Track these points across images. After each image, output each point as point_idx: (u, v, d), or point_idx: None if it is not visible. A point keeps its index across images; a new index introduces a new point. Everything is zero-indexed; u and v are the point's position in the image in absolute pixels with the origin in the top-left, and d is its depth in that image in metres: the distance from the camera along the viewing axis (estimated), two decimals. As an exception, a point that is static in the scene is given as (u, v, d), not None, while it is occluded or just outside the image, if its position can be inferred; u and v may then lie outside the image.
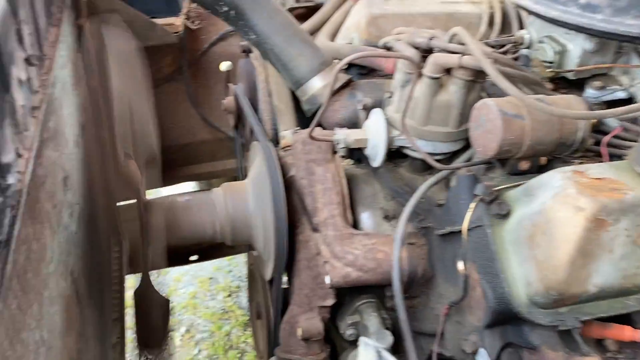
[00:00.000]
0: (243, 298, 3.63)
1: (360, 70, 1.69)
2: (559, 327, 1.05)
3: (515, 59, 1.63)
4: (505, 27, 1.91)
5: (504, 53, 1.64)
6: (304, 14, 2.17)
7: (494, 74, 1.09)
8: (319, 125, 1.56)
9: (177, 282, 3.75)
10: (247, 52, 1.94)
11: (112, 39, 1.63)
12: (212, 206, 1.51)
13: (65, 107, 1.36)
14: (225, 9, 1.51)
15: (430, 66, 1.25)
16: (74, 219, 1.30)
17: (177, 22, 2.31)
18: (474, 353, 1.19)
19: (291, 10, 2.17)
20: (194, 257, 2.36)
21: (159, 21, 2.25)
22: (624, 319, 1.13)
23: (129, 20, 1.92)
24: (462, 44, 1.24)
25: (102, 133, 1.75)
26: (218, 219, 1.50)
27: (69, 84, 1.46)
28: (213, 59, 2.49)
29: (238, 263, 3.86)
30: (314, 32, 2.03)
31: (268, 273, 1.52)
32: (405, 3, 1.85)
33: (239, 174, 2.14)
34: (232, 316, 3.54)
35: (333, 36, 1.95)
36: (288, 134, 1.60)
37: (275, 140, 1.72)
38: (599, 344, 1.16)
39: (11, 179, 0.74)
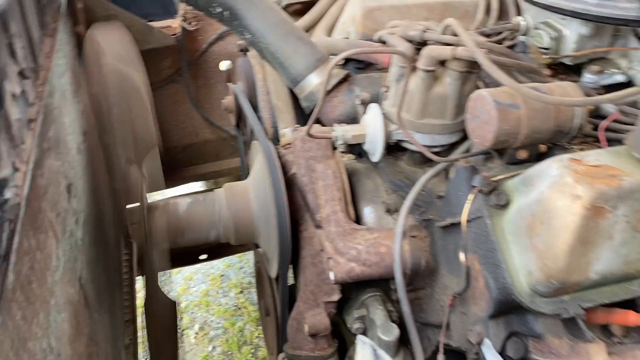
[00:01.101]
0: (255, 294, 3.65)
1: (358, 65, 1.68)
2: (562, 315, 1.06)
3: (513, 45, 1.63)
4: (503, 13, 1.89)
5: (502, 40, 1.64)
6: (301, 10, 2.16)
7: (487, 65, 1.09)
8: (318, 121, 1.57)
9: (189, 281, 3.79)
10: (244, 51, 1.94)
11: (109, 44, 1.64)
12: (213, 207, 1.52)
13: (66, 115, 1.38)
14: (219, 10, 1.51)
15: (424, 59, 1.25)
16: (79, 225, 1.32)
17: (174, 24, 2.32)
18: (480, 343, 1.18)
19: (288, 6, 2.17)
20: (203, 256, 2.38)
21: (156, 24, 2.27)
22: (629, 304, 1.13)
23: (126, 25, 1.94)
24: (456, 35, 1.23)
25: (105, 138, 1.77)
26: (221, 220, 1.51)
27: (69, 91, 1.47)
28: (212, 58, 2.50)
29: (249, 259, 3.89)
30: (312, 27, 2.02)
31: (273, 271, 1.53)
32: (400, -6, 1.84)
33: (242, 173, 2.15)
34: (245, 312, 3.57)
35: (330, 31, 1.95)
36: (288, 131, 1.61)
37: (276, 139, 1.73)
38: (605, 330, 1.17)
39: (8, 194, 0.75)
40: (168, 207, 1.52)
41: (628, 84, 1.44)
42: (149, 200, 1.56)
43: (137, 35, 2.02)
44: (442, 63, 1.26)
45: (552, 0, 1.30)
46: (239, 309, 3.61)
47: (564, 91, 1.16)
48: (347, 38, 1.81)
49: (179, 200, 1.56)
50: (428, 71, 1.25)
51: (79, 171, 1.43)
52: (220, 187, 1.61)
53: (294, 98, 1.71)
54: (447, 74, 1.26)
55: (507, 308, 1.13)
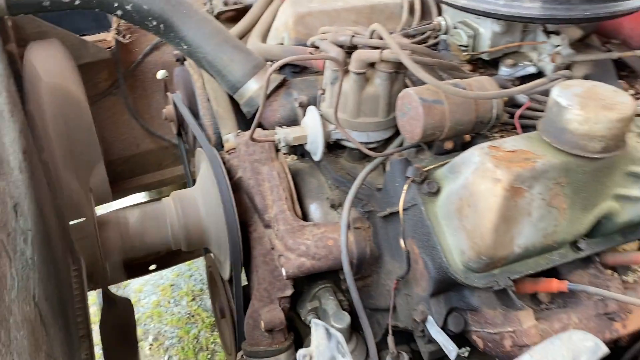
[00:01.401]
0: (207, 300, 3.66)
1: (294, 69, 1.75)
2: (494, 288, 1.14)
3: (437, 44, 1.74)
4: (426, 14, 2.01)
5: (426, 40, 1.75)
6: (233, 17, 2.21)
7: (411, 66, 1.18)
8: (260, 125, 1.63)
9: (139, 293, 3.75)
10: (181, 60, 1.97)
11: (43, 61, 1.63)
12: (163, 216, 1.55)
13: (5, 135, 1.37)
14: (155, 23, 1.54)
15: (355, 62, 1.33)
16: (28, 244, 1.32)
17: (109, 37, 2.32)
18: (424, 321, 1.27)
19: (220, 13, 2.21)
20: (152, 267, 2.38)
21: (90, 38, 2.26)
22: (552, 272, 1.25)
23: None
24: (382, 38, 1.33)
25: (45, 155, 1.76)
26: (171, 228, 1.54)
27: (6, 111, 1.46)
28: (148, 69, 2.51)
29: (198, 267, 3.88)
30: (245, 33, 2.07)
31: (226, 273, 1.58)
32: (328, -1, 1.92)
33: (187, 180, 2.18)
34: (199, 319, 3.57)
35: (264, 36, 2.00)
36: (231, 137, 1.66)
37: (219, 145, 1.77)
38: (533, 298, 1.29)
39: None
40: (118, 219, 1.53)
41: (539, 74, 1.58)
42: (98, 214, 1.57)
43: (71, 50, 2.01)
44: (372, 65, 1.35)
45: (465, 2, 1.42)
46: (192, 316, 3.61)
47: (481, 85, 1.27)
48: (281, 44, 1.88)
49: (129, 211, 1.58)
50: (359, 73, 1.34)
51: (23, 190, 1.43)
52: (167, 196, 1.64)
53: (234, 104, 1.76)
54: (377, 75, 1.36)
55: (446, 286, 1.22)
